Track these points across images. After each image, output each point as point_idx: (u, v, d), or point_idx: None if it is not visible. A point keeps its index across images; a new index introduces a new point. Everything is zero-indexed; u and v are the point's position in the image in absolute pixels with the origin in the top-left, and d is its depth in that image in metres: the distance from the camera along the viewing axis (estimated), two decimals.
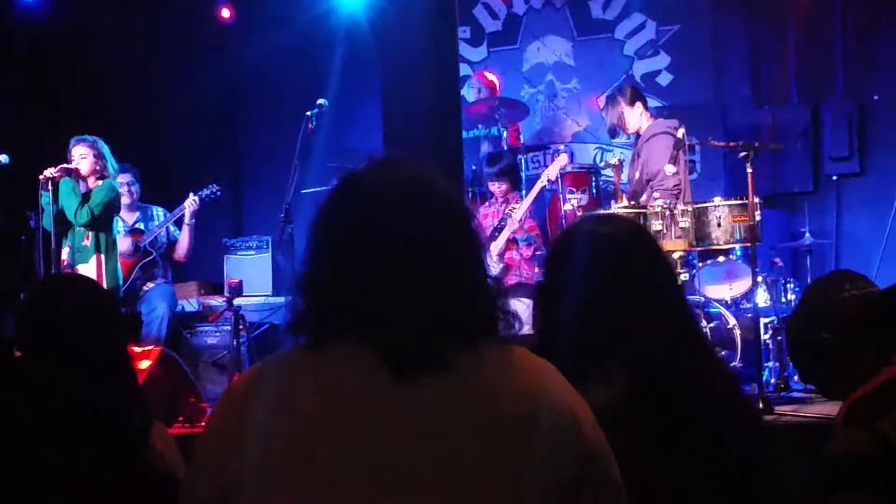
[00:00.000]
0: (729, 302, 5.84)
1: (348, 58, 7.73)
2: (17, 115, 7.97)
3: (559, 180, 6.66)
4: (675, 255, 5.35)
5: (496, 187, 7.02)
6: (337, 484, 1.50)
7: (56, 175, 6.05)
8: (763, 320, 5.74)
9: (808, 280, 6.40)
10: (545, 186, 6.75)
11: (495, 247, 6.69)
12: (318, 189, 6.66)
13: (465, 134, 6.77)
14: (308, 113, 6.26)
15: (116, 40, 8.37)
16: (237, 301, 6.15)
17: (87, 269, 6.05)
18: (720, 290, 5.89)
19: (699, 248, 5.70)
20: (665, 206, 5.53)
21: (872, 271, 6.73)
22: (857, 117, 7.57)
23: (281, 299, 7.19)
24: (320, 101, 6.34)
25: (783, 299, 6.02)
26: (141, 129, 8.32)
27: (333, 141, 6.91)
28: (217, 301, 7.16)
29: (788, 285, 6.09)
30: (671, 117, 6.46)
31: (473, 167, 7.60)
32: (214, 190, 7.28)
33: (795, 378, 5.52)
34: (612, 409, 1.96)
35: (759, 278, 5.74)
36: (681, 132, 5.74)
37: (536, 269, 6.75)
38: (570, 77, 8.67)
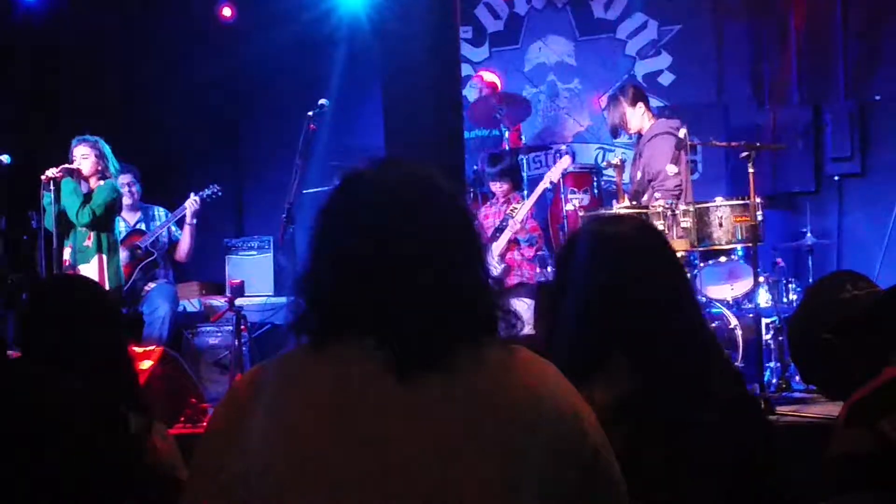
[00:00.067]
0: (730, 302, 5.84)
1: (349, 57, 7.73)
2: (19, 115, 7.98)
3: (561, 180, 6.67)
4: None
5: (497, 187, 7.02)
6: (340, 484, 1.50)
7: (58, 175, 6.06)
8: (764, 320, 5.74)
9: (810, 280, 6.41)
10: (547, 187, 6.75)
11: (497, 247, 6.69)
12: (319, 189, 6.66)
13: (466, 134, 6.77)
14: (309, 113, 6.26)
15: (117, 40, 8.38)
16: (239, 301, 6.15)
17: (89, 269, 6.05)
18: (722, 291, 5.89)
19: (700, 249, 5.70)
20: (666, 206, 5.53)
21: (874, 271, 6.74)
22: (858, 117, 7.57)
23: (282, 299, 7.18)
24: (321, 101, 6.35)
25: (784, 299, 6.02)
26: (142, 129, 8.32)
27: (335, 141, 6.92)
28: (219, 301, 7.16)
29: (790, 285, 6.09)
30: (673, 117, 6.46)
31: (475, 167, 7.60)
32: (215, 190, 7.29)
33: (797, 378, 5.52)
34: (619, 407, 1.97)
35: (761, 278, 5.74)
36: (682, 132, 5.74)
37: (538, 270, 6.75)
38: (572, 77, 8.67)
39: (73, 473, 2.17)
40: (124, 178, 7.00)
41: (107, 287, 5.97)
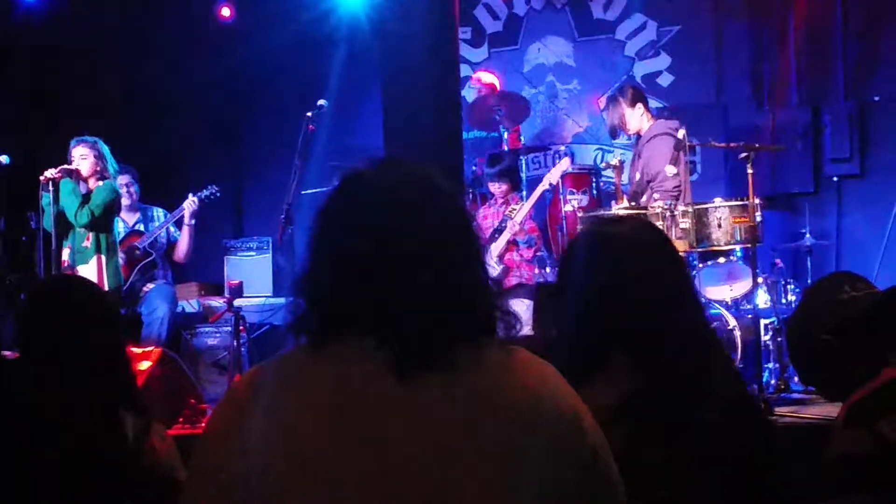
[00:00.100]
0: (729, 303, 5.84)
1: (349, 57, 7.72)
2: (18, 115, 7.97)
3: (560, 181, 6.67)
4: None
5: (496, 188, 7.03)
6: (340, 484, 1.50)
7: (56, 176, 6.05)
8: (763, 321, 5.74)
9: (809, 281, 6.41)
10: (546, 189, 6.75)
11: (496, 248, 6.69)
12: (318, 190, 6.66)
13: (465, 135, 6.77)
14: (308, 114, 6.25)
15: (116, 41, 8.38)
16: (237, 302, 6.14)
17: (88, 270, 6.05)
18: (720, 291, 5.89)
19: (699, 249, 5.70)
20: (665, 206, 5.53)
21: (872, 272, 6.74)
22: (857, 118, 7.57)
23: (281, 300, 7.17)
24: (320, 101, 6.34)
25: (783, 300, 6.02)
26: (141, 129, 8.32)
27: (334, 141, 6.91)
28: (217, 302, 7.16)
29: (789, 286, 6.09)
30: (672, 118, 6.46)
31: (473, 168, 7.60)
32: (214, 191, 7.29)
33: (795, 379, 5.52)
34: (619, 407, 1.97)
35: (760, 279, 5.74)
36: (681, 133, 5.74)
37: (536, 270, 6.76)
38: (571, 78, 8.67)
39: (73, 474, 2.17)
40: (123, 179, 7.00)
41: (106, 288, 5.97)
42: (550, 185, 6.68)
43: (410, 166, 1.71)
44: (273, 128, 8.55)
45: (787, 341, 3.37)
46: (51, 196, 6.04)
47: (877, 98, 7.58)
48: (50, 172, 6.05)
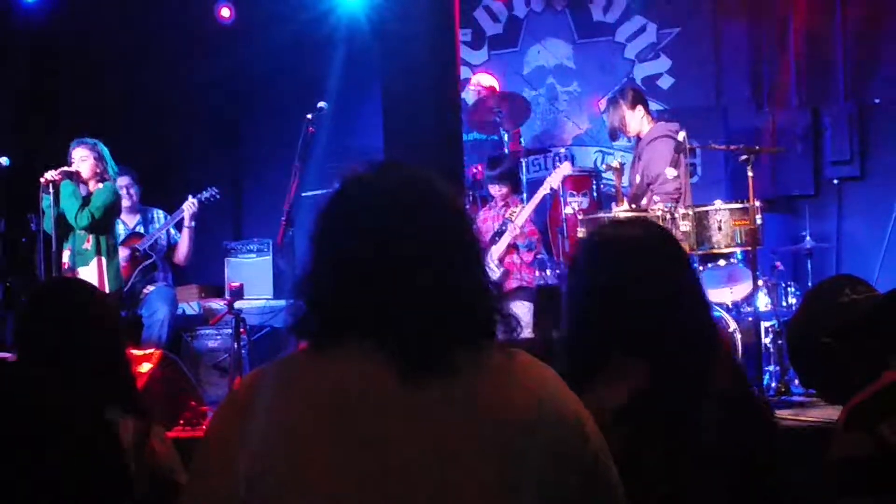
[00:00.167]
0: (729, 306, 5.83)
1: (349, 58, 7.72)
2: (18, 117, 7.97)
3: (560, 184, 6.67)
4: None
5: (496, 190, 7.02)
6: (340, 485, 1.51)
7: (57, 178, 6.05)
8: (764, 324, 5.73)
9: (809, 284, 6.40)
10: (547, 193, 6.74)
11: (496, 251, 6.69)
12: (318, 192, 6.65)
13: (464, 137, 6.76)
14: (308, 116, 6.25)
15: (116, 42, 8.37)
16: (238, 304, 6.14)
17: (88, 272, 6.05)
18: (721, 294, 5.88)
19: (700, 252, 5.69)
20: (665, 209, 5.52)
21: (873, 275, 6.74)
22: (857, 120, 7.56)
23: (282, 302, 7.17)
24: (320, 104, 6.34)
25: (784, 303, 6.01)
26: (141, 130, 8.32)
27: (334, 143, 6.90)
28: (218, 304, 7.15)
29: (789, 289, 6.08)
30: (672, 120, 6.46)
31: (473, 170, 7.60)
32: (213, 192, 7.28)
33: (796, 382, 5.51)
34: (620, 409, 1.97)
35: (760, 282, 5.73)
36: (681, 135, 5.74)
37: (537, 273, 6.75)
38: (571, 80, 8.67)
39: (73, 476, 2.17)
40: (122, 181, 6.99)
41: (106, 290, 5.97)
42: (551, 188, 6.68)
43: (410, 169, 1.71)
44: (273, 129, 8.53)
45: (788, 344, 3.37)
46: (51, 198, 6.04)
47: (877, 100, 7.57)
48: (50, 174, 6.04)
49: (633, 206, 5.94)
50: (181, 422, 5.10)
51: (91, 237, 6.14)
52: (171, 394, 5.11)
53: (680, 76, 8.29)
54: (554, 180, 6.65)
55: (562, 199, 6.67)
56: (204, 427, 4.87)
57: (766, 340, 5.74)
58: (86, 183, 6.25)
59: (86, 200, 6.13)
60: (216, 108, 8.95)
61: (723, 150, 6.32)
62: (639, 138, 6.42)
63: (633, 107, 6.37)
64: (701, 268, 5.90)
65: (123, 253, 6.77)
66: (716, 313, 5.71)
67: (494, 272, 6.56)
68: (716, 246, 5.60)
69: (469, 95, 8.09)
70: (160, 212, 7.46)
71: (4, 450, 2.09)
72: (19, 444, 2.12)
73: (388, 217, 1.63)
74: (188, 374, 5.49)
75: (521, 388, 1.60)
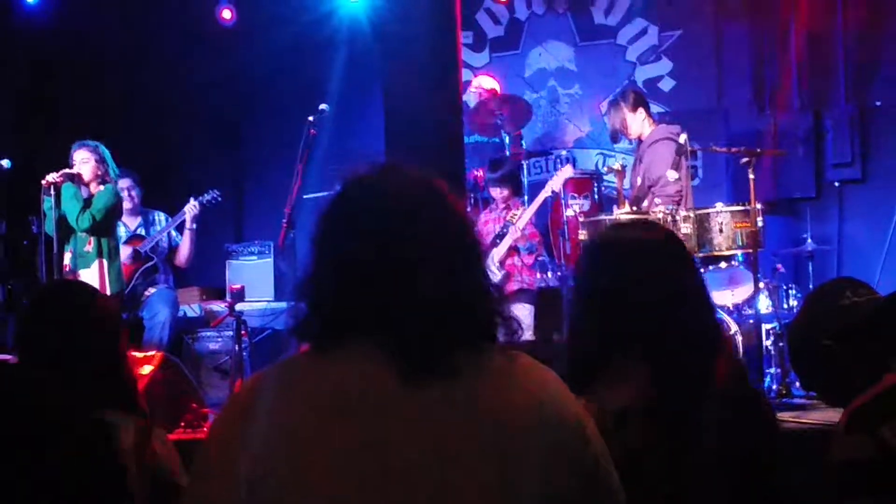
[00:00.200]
0: (731, 308, 5.83)
1: (350, 60, 7.72)
2: (19, 119, 7.97)
3: (561, 187, 6.67)
4: None
5: (497, 193, 7.02)
6: (341, 486, 1.51)
7: (58, 180, 6.04)
8: (765, 326, 5.73)
9: (810, 286, 6.39)
10: (548, 195, 6.74)
11: (497, 253, 6.69)
12: (320, 194, 6.64)
13: (465, 139, 6.76)
14: (310, 118, 6.24)
15: (117, 43, 8.37)
16: (239, 306, 6.14)
17: (90, 274, 6.04)
18: (722, 296, 5.88)
19: (701, 255, 5.69)
20: (667, 211, 5.52)
21: (874, 277, 6.73)
22: (859, 123, 7.56)
23: (283, 304, 7.17)
24: (322, 106, 6.33)
25: (785, 305, 6.01)
26: (142, 132, 8.32)
27: (335, 145, 6.90)
28: (219, 306, 7.15)
29: (790, 291, 6.08)
30: (673, 123, 6.46)
31: (475, 172, 7.60)
32: (215, 195, 7.28)
33: (797, 384, 5.50)
34: (621, 411, 1.97)
35: (761, 284, 5.73)
36: (683, 138, 5.74)
37: (538, 276, 6.75)
38: (573, 82, 8.67)
39: (73, 477, 2.17)
40: (124, 183, 6.99)
41: (108, 292, 5.97)
42: (553, 191, 6.67)
43: (411, 171, 1.72)
44: (274, 130, 8.53)
45: (789, 346, 3.36)
46: (52, 200, 6.04)
47: (878, 103, 7.57)
48: (51, 177, 6.04)
49: (635, 208, 5.94)
50: (182, 424, 5.10)
51: (92, 239, 6.14)
52: (172, 396, 5.11)
53: (681, 78, 8.29)
54: (555, 183, 6.65)
55: (563, 201, 6.67)
56: (205, 429, 4.88)
57: (767, 343, 5.74)
58: (87, 185, 6.25)
59: (87, 203, 6.13)
60: (217, 110, 8.95)
61: (724, 152, 6.33)
62: (640, 141, 6.42)
63: (634, 109, 6.37)
64: (702, 270, 5.90)
65: (125, 255, 6.77)
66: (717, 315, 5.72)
67: (495, 274, 6.55)
68: (717, 248, 5.60)
69: (470, 98, 8.09)
70: (161, 214, 7.46)
71: (4, 450, 2.09)
72: (19, 444, 2.12)
73: (389, 219, 1.63)
74: (189, 377, 5.48)
75: (522, 390, 1.60)
